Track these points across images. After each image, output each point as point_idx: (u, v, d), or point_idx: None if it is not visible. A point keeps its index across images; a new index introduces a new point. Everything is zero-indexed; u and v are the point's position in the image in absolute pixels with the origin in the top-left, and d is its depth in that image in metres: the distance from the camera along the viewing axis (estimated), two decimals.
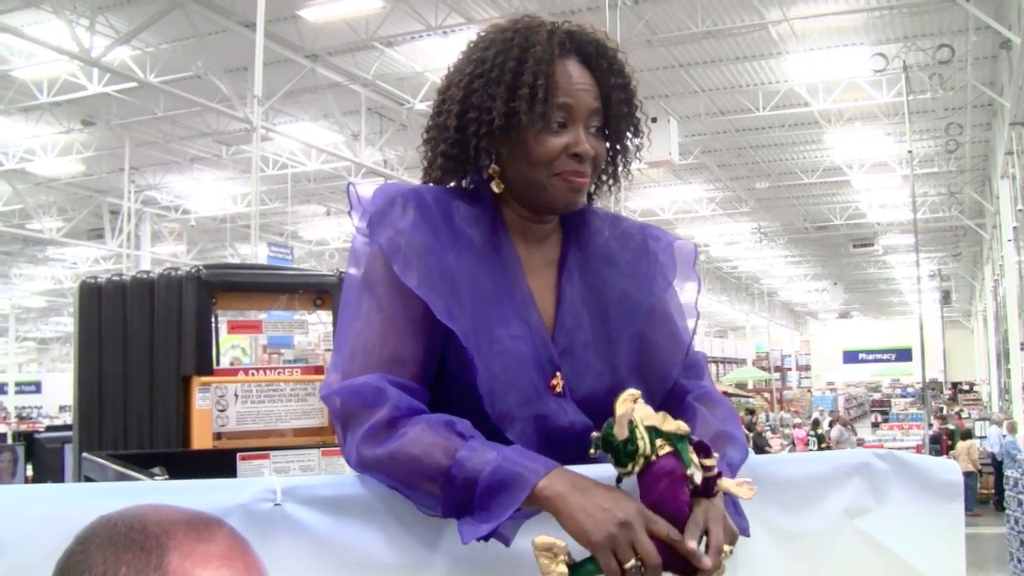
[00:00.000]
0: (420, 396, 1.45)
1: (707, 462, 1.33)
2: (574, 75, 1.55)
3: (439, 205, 1.56)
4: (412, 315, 1.48)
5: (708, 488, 1.33)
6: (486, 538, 1.31)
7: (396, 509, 1.40)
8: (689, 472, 1.30)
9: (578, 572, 1.27)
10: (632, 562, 1.24)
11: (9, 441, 11.37)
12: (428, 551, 1.41)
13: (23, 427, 21.01)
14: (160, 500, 1.04)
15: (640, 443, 1.29)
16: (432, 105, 1.67)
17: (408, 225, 1.51)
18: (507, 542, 1.34)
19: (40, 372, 45.66)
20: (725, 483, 1.36)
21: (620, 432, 1.29)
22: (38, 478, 7.64)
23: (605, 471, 1.35)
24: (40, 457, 7.82)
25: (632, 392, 1.34)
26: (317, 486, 1.39)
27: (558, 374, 1.56)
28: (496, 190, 1.58)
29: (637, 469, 1.30)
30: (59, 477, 6.71)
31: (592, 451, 1.33)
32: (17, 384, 38.62)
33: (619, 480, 1.34)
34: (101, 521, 0.94)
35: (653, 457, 1.30)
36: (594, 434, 1.34)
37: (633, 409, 1.31)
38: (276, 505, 1.33)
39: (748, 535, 1.48)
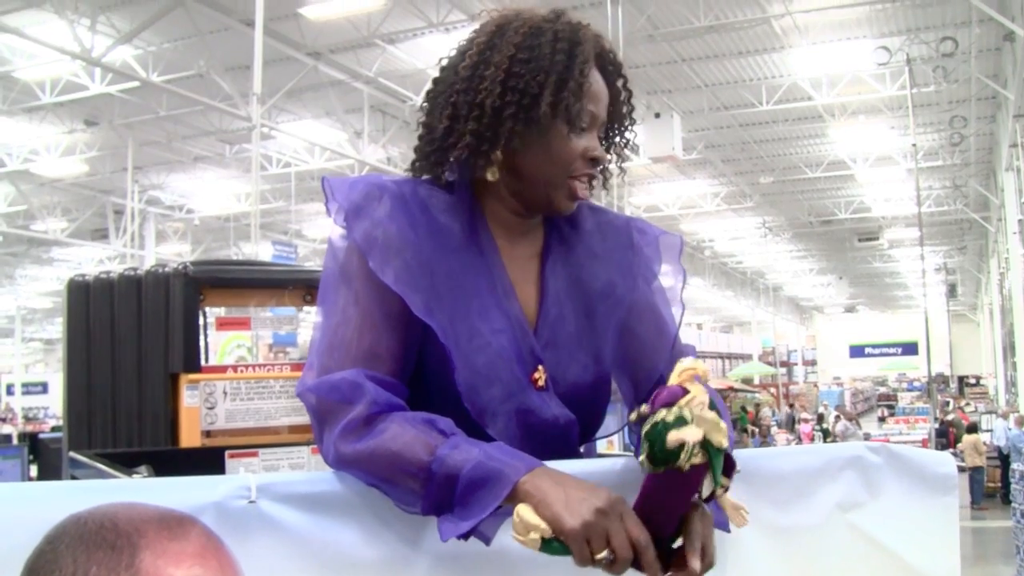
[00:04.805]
0: (398, 391, 1.43)
1: (726, 482, 1.29)
2: (598, 84, 1.56)
3: (416, 197, 1.54)
4: (389, 310, 1.46)
5: (709, 497, 1.30)
6: (466, 536, 1.29)
7: (374, 506, 1.37)
8: (705, 486, 1.26)
9: (548, 545, 1.24)
10: (604, 553, 1.22)
11: (15, 442, 11.38)
12: (408, 548, 1.39)
13: (29, 428, 21.06)
14: (133, 498, 1.03)
15: (682, 456, 1.22)
16: (448, 80, 1.58)
17: (385, 217, 1.49)
18: (487, 540, 1.31)
19: (46, 373, 45.64)
20: (726, 501, 1.33)
21: (672, 442, 1.21)
22: (42, 479, 7.63)
23: (589, 468, 1.33)
24: (44, 458, 7.82)
25: (690, 367, 1.29)
26: (293, 483, 1.37)
27: (540, 367, 1.54)
28: (491, 178, 1.54)
29: (662, 471, 1.24)
30: (61, 478, 6.70)
31: (633, 417, 1.30)
32: (24, 385, 38.70)
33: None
34: (71, 520, 0.92)
35: (684, 468, 1.22)
36: (643, 408, 1.27)
37: (694, 403, 1.24)
38: (251, 502, 1.31)
39: (728, 530, 1.46)
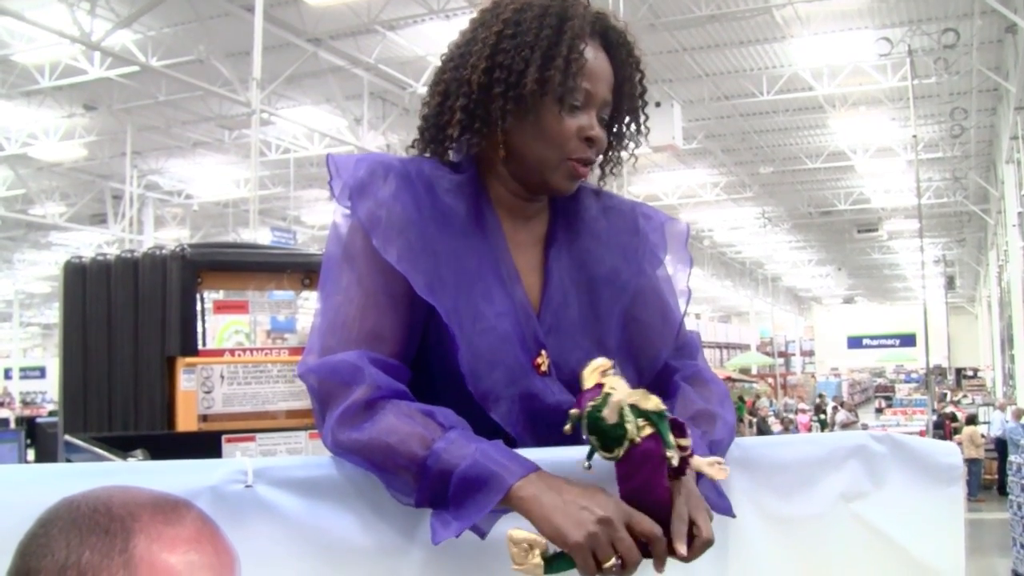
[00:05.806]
0: (400, 373, 1.41)
1: (683, 442, 1.27)
2: (597, 62, 1.51)
3: (421, 176, 1.50)
4: (393, 290, 1.43)
5: (681, 468, 1.27)
6: (457, 534, 1.27)
7: (372, 493, 1.36)
8: (669, 455, 1.24)
9: (553, 566, 1.22)
10: (612, 560, 1.20)
11: (12, 426, 11.38)
12: (404, 536, 1.37)
13: (26, 412, 21.07)
14: (128, 481, 1.01)
15: (629, 426, 1.22)
16: (445, 59, 1.57)
17: (389, 196, 1.46)
18: (482, 535, 1.30)
19: (44, 357, 45.63)
20: (697, 462, 1.31)
21: (610, 415, 1.22)
22: (40, 463, 7.62)
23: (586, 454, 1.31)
24: (41, 442, 7.81)
25: (601, 362, 1.30)
26: (289, 467, 1.35)
27: (543, 352, 1.51)
28: (502, 153, 1.51)
29: (622, 453, 1.24)
30: (56, 462, 6.69)
31: (568, 428, 1.27)
32: (22, 369, 38.70)
33: (590, 456, 1.29)
34: (64, 503, 0.91)
35: (637, 440, 1.23)
36: (573, 411, 1.27)
37: (615, 386, 1.25)
38: (247, 487, 1.29)
39: (733, 515, 1.45)
